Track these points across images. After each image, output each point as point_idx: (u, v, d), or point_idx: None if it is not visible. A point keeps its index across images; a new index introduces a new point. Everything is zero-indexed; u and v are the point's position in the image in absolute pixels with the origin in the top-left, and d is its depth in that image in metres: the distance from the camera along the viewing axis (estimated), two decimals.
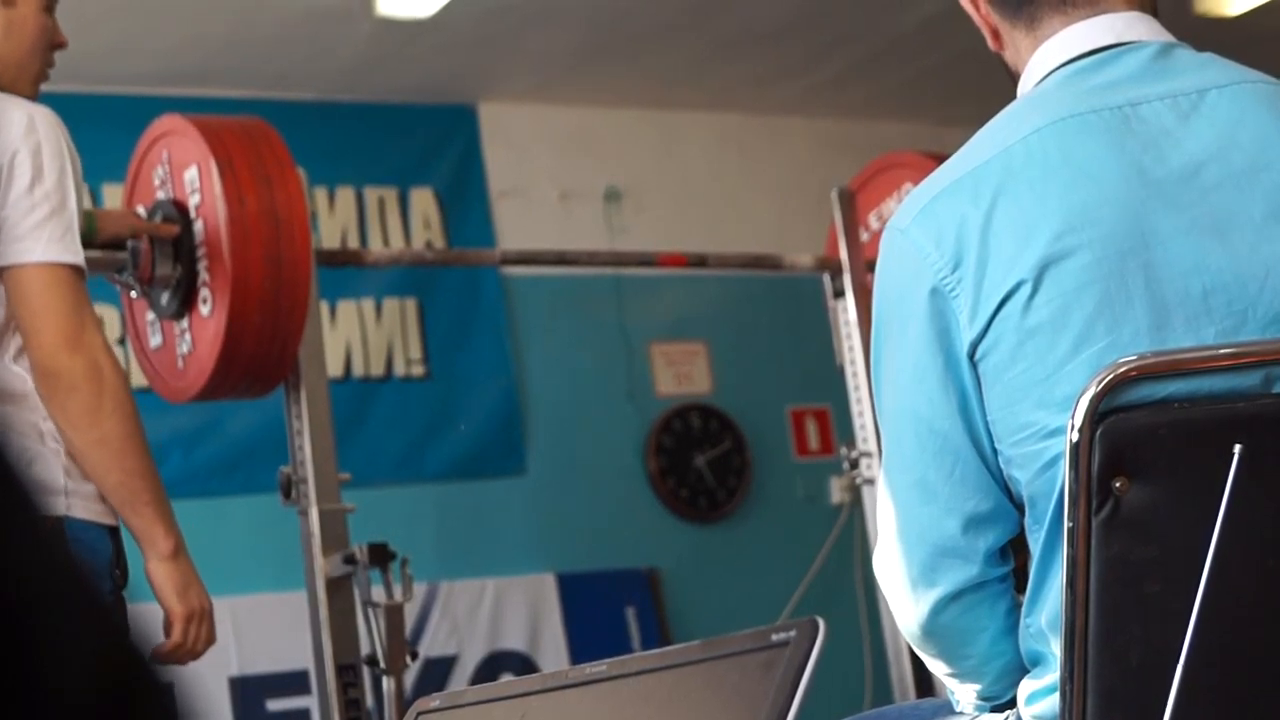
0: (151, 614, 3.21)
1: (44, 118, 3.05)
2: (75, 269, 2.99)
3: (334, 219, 7.11)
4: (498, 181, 7.53)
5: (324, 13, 6.42)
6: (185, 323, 3.95)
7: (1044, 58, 2.05)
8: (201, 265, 3.84)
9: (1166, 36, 2.03)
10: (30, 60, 3.19)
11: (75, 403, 2.96)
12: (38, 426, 2.98)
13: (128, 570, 3.14)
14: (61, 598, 0.73)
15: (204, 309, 3.85)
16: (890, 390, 2.01)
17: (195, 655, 3.20)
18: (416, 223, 7.30)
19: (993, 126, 2.02)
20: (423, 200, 7.34)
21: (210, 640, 3.20)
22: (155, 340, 4.11)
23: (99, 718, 0.71)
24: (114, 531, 3.07)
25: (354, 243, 7.08)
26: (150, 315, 4.10)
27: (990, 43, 2.16)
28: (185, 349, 3.98)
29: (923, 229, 1.96)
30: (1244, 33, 7.12)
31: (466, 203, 7.44)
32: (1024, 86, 2.08)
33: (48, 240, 2.96)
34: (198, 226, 3.85)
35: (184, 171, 3.91)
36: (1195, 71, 1.98)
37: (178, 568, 3.15)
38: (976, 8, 2.14)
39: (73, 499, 3.00)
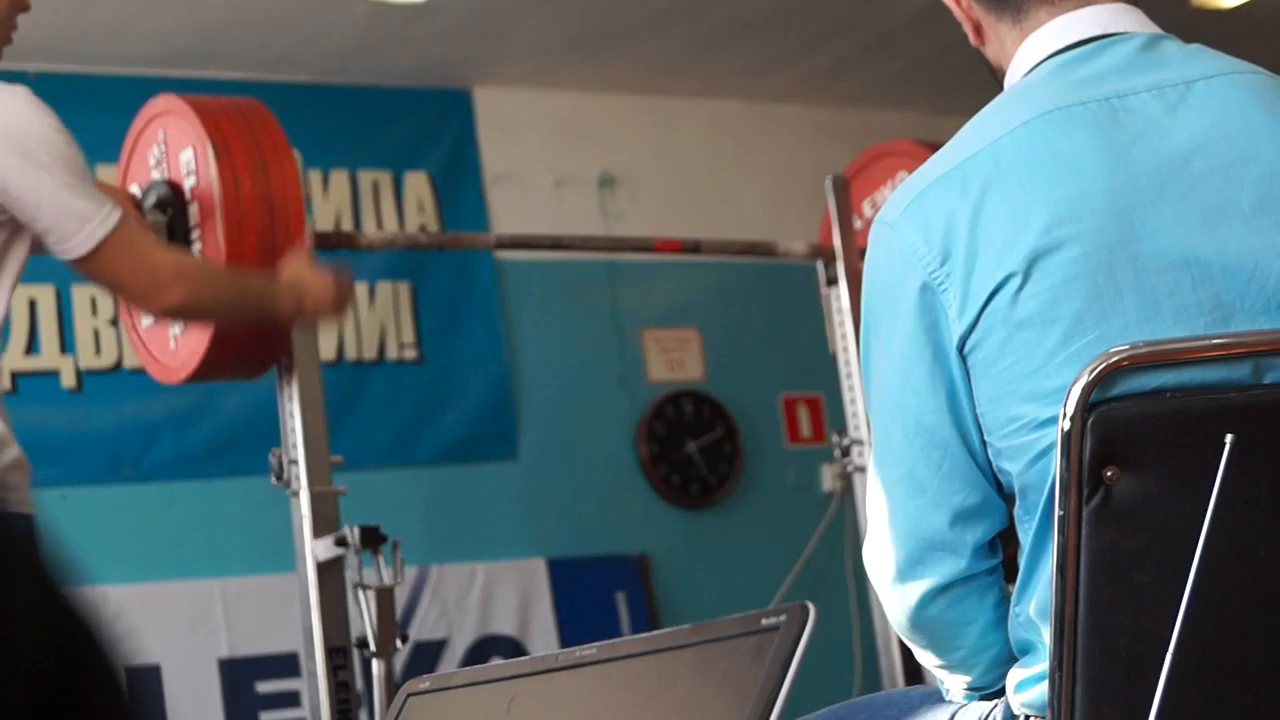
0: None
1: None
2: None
3: (328, 202, 7.10)
4: (492, 166, 7.52)
5: None
6: None
7: (1031, 50, 2.05)
8: (196, 247, 3.84)
9: (1153, 28, 2.03)
10: None
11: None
12: None
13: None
14: (8, 575, 0.73)
15: None
16: (879, 384, 2.01)
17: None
18: (410, 207, 7.29)
19: (980, 119, 2.01)
20: (417, 184, 7.33)
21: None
22: (148, 320, 4.11)
23: (47, 687, 0.72)
24: (27, 519, 3.06)
25: (348, 226, 7.07)
26: None
27: (972, 38, 2.15)
28: (178, 330, 3.97)
29: (911, 223, 1.96)
30: (1239, 25, 7.12)
31: (461, 187, 7.43)
32: (1010, 79, 2.08)
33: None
34: (193, 209, 3.85)
35: (180, 153, 3.90)
36: (1183, 62, 1.98)
37: (298, 295, 3.54)
38: (958, 3, 2.14)
39: None
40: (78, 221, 3.17)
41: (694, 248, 4.95)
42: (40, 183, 3.15)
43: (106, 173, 6.33)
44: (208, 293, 3.37)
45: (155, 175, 3.97)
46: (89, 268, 3.23)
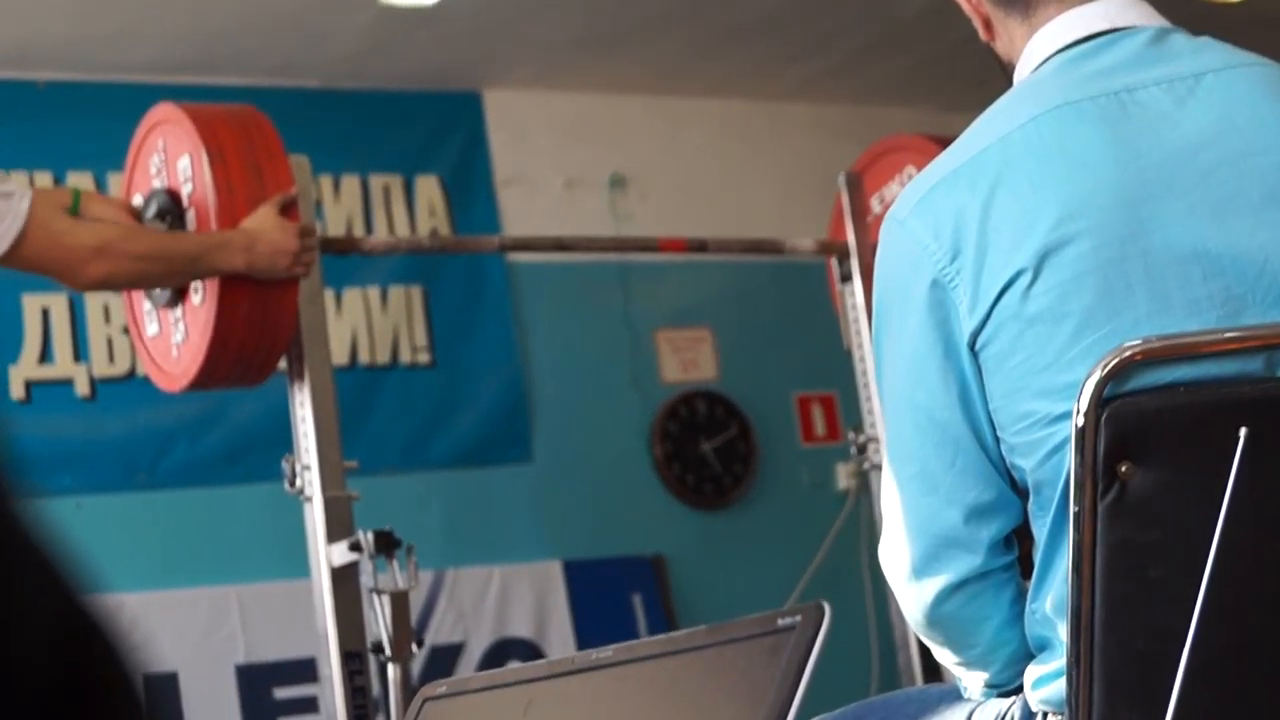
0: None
1: None
2: None
3: (339, 207, 7.11)
4: (503, 169, 7.52)
5: (328, 1, 6.41)
6: (179, 311, 3.95)
7: (1039, 44, 2.05)
8: None
9: (1161, 21, 2.03)
10: None
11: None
12: None
13: None
14: (20, 570, 0.73)
15: (195, 298, 3.86)
16: (890, 381, 2.01)
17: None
18: (422, 210, 7.29)
19: (989, 115, 2.01)
20: (428, 188, 7.33)
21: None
22: (152, 329, 4.11)
23: (58, 683, 0.72)
24: None
25: (359, 231, 7.07)
26: (146, 304, 4.10)
27: (981, 33, 2.15)
28: (179, 338, 3.98)
29: (921, 220, 1.96)
30: (1247, 17, 7.10)
31: (472, 190, 7.43)
32: (1020, 74, 2.08)
33: None
34: (190, 216, 3.86)
35: (177, 160, 3.91)
36: (1191, 55, 1.98)
37: (249, 239, 3.67)
38: None
39: None
40: None
41: (700, 246, 4.93)
42: None
43: (117, 182, 6.35)
44: (129, 263, 3.53)
45: (156, 184, 3.98)
46: (13, 259, 3.34)
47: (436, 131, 7.43)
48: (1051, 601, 1.92)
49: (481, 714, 1.64)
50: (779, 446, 7.80)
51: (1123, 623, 1.79)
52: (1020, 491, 1.97)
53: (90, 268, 3.46)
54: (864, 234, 4.74)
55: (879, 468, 4.67)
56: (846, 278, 4.77)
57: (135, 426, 6.54)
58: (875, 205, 4.91)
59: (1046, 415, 1.87)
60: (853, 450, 4.85)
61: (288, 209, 3.80)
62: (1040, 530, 1.93)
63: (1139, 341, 1.79)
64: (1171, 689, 1.72)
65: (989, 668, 2.04)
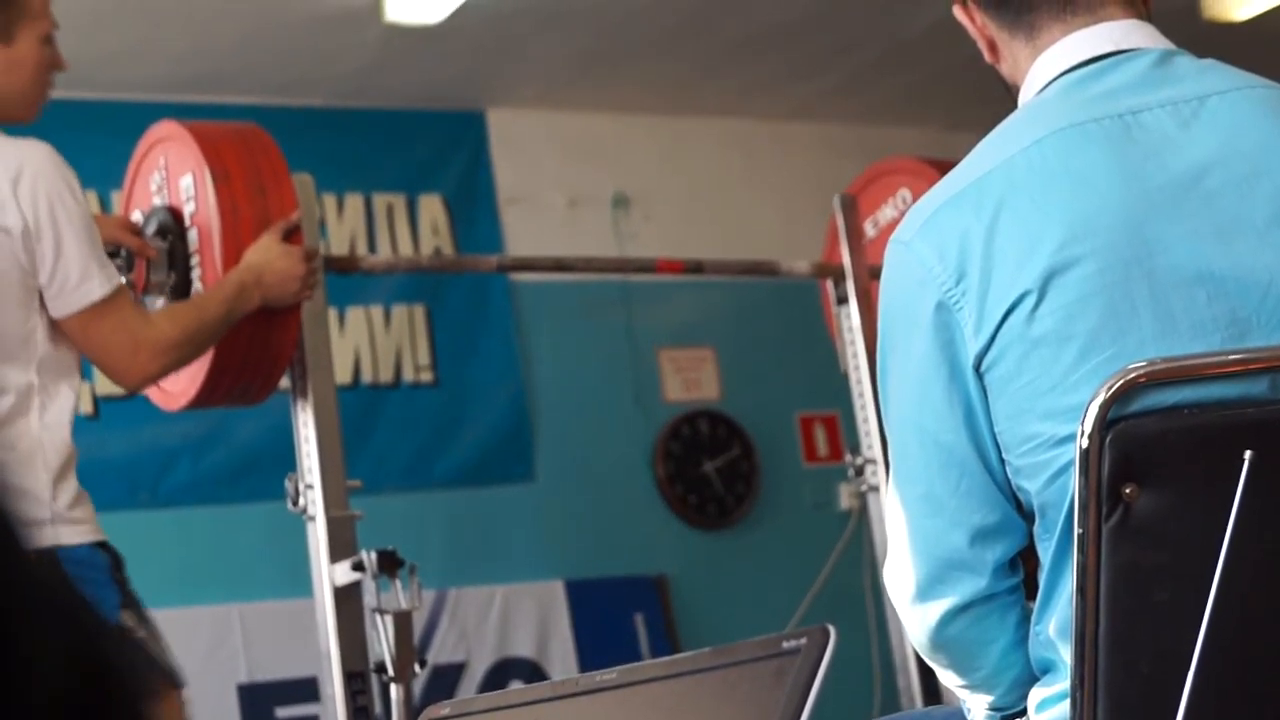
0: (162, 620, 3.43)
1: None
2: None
3: (343, 225, 7.12)
4: (506, 188, 7.53)
5: (332, 19, 6.42)
6: None
7: (1044, 67, 2.05)
8: (195, 274, 3.84)
9: (1165, 44, 2.03)
10: (31, 90, 3.41)
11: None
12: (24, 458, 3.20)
13: (125, 575, 3.39)
14: (33, 605, 0.74)
15: None
16: (896, 403, 2.01)
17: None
18: (425, 229, 7.30)
19: (994, 137, 2.01)
20: (431, 207, 7.34)
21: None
22: None
23: (64, 702, 0.73)
24: (104, 544, 3.34)
25: (362, 249, 7.08)
26: None
27: (986, 55, 2.16)
28: None
29: (926, 242, 1.96)
30: (1252, 37, 7.11)
31: (475, 209, 7.44)
32: (1024, 96, 2.08)
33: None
34: (192, 235, 3.85)
35: (180, 179, 3.90)
36: (1195, 78, 1.98)
37: (257, 274, 3.66)
38: (972, 20, 2.14)
39: (59, 527, 3.24)
40: (80, 276, 3.26)
41: (696, 267, 4.93)
42: (59, 233, 3.25)
43: (119, 199, 6.35)
44: (178, 353, 3.48)
45: (156, 201, 3.97)
46: (79, 325, 3.30)
47: (440, 150, 7.45)
48: (1056, 624, 1.91)
49: None
50: (781, 466, 7.80)
51: (1127, 645, 1.78)
52: (1025, 514, 1.96)
53: (148, 368, 3.42)
54: (859, 257, 4.72)
55: (877, 490, 4.67)
56: (843, 300, 4.76)
57: (138, 445, 6.54)
58: (869, 229, 4.90)
59: (1052, 437, 1.86)
60: (851, 472, 4.84)
61: (290, 235, 3.80)
62: (1045, 552, 1.93)
63: (1144, 364, 1.78)
64: (1176, 712, 1.71)
65: (994, 690, 2.04)
